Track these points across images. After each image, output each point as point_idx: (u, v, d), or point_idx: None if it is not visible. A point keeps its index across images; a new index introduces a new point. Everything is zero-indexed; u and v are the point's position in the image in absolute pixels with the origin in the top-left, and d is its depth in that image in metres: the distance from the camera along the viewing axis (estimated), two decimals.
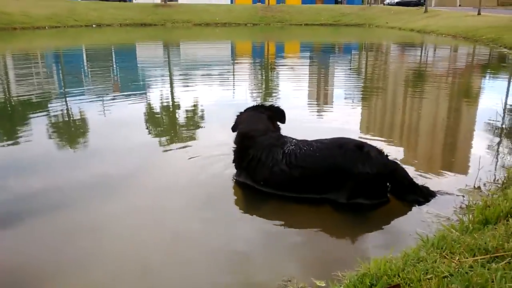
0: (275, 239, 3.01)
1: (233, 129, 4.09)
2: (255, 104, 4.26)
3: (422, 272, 2.02)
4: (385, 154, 3.54)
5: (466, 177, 4.03)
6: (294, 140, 3.66)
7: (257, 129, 3.87)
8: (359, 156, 3.40)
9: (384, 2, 61.82)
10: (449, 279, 1.93)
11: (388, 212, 3.39)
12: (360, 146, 3.48)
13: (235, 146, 3.92)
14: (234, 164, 3.92)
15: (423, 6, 41.75)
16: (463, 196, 3.52)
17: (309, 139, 3.67)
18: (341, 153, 3.42)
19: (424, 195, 3.49)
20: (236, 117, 4.13)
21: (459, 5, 51.25)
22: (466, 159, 4.68)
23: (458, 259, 2.12)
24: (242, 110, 4.17)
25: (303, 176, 3.46)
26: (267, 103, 4.27)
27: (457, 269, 2.01)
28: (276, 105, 4.30)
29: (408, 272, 2.05)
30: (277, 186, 3.57)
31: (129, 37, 28.17)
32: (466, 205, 3.33)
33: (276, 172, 3.51)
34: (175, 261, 2.76)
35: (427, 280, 1.94)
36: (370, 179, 3.37)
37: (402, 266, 2.14)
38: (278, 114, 4.15)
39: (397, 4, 51.81)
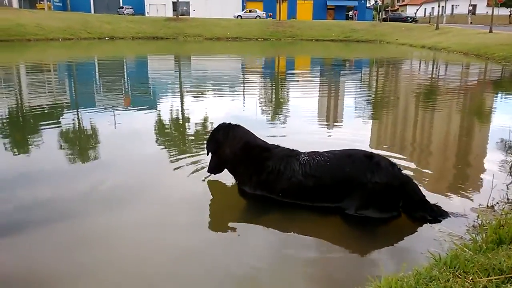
0: (283, 255, 2.97)
1: (220, 146, 3.89)
2: (226, 123, 4.03)
3: None
4: (398, 167, 3.52)
5: (479, 196, 3.94)
6: (306, 152, 3.70)
7: (266, 142, 3.90)
8: (368, 166, 3.40)
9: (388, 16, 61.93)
10: None
11: (399, 229, 3.33)
12: (369, 156, 3.49)
13: (247, 160, 3.80)
14: (243, 178, 3.86)
15: (409, 22, 42.34)
16: (477, 216, 3.45)
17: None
18: (350, 162, 3.45)
19: (434, 214, 3.40)
20: (219, 136, 3.92)
21: (471, 23, 51.22)
22: (479, 178, 4.60)
23: (471, 279, 2.07)
24: (214, 129, 4.04)
25: (317, 186, 3.48)
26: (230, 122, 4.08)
27: None
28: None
29: None
30: (295, 195, 3.58)
31: (141, 50, 28.52)
32: (479, 224, 3.26)
33: (294, 182, 3.53)
34: (179, 278, 2.70)
35: None
36: (379, 189, 3.33)
37: (414, 285, 2.09)
38: None
39: (384, 20, 51.92)
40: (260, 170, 3.70)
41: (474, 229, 3.19)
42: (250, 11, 57.35)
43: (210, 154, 4.03)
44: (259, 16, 54.36)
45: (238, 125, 3.99)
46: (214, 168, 4.01)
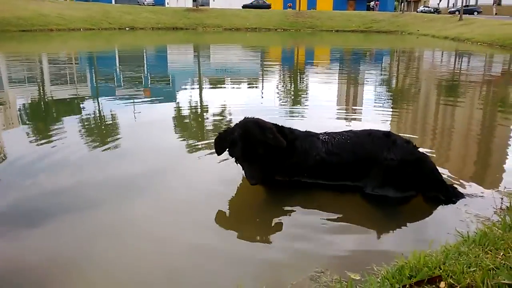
0: (305, 232, 2.95)
1: (277, 137, 3.47)
2: (246, 120, 3.65)
3: (465, 265, 1.93)
4: (414, 144, 3.52)
5: (505, 180, 3.88)
6: (324, 132, 3.76)
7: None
8: (385, 143, 3.45)
9: (417, 10, 61.04)
10: (495, 272, 1.83)
11: (424, 211, 3.27)
12: (387, 135, 3.55)
13: (280, 144, 3.47)
14: (274, 165, 3.60)
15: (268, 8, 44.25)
16: (501, 198, 3.38)
17: None
18: (370, 140, 3.51)
19: (449, 195, 3.35)
20: (270, 134, 3.46)
21: (496, 14, 50.01)
22: (505, 163, 4.53)
23: (503, 254, 2.02)
24: (246, 131, 3.49)
25: (339, 163, 3.50)
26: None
27: (503, 263, 1.91)
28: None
29: (450, 264, 1.96)
30: (319, 175, 3.57)
31: (161, 40, 28.63)
32: (507, 206, 3.19)
33: (318, 160, 3.54)
34: (201, 265, 2.64)
35: (471, 273, 1.85)
36: (395, 166, 3.33)
37: (443, 259, 2.05)
38: None
39: (244, 6, 52.22)
40: (291, 153, 3.60)
41: (502, 211, 3.13)
42: None
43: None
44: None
45: (249, 117, 3.71)
46: (260, 175, 3.44)
